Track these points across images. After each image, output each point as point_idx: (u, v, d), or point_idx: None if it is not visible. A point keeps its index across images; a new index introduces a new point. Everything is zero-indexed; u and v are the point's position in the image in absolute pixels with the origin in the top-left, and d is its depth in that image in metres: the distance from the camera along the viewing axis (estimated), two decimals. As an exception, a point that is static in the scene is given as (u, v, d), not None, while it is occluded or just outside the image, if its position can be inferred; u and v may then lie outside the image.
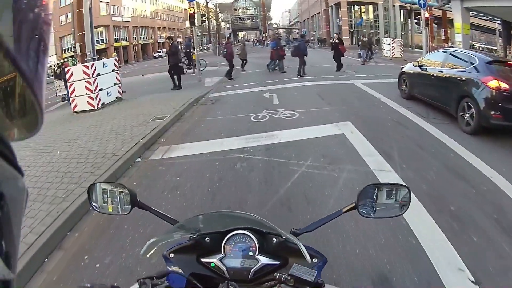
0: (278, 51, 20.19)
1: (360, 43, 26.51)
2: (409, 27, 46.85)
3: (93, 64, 13.73)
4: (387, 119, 9.07)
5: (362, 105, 10.73)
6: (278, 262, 1.36)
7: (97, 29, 58.12)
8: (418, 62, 11.05)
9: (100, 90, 13.73)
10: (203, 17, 20.14)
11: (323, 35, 58.26)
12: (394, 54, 28.10)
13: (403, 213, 1.55)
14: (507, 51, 25.88)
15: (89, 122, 11.06)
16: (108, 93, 14.33)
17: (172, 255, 1.43)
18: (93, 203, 1.62)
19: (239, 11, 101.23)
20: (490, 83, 7.66)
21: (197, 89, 16.03)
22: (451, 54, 9.65)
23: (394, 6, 45.86)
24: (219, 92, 15.18)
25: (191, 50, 23.34)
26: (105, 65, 14.44)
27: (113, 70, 14.84)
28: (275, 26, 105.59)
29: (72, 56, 40.41)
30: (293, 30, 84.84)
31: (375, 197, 1.53)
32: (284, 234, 1.38)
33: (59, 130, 10.56)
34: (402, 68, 12.35)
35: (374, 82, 15.17)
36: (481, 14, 26.83)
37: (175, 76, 16.86)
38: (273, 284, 1.25)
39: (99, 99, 13.68)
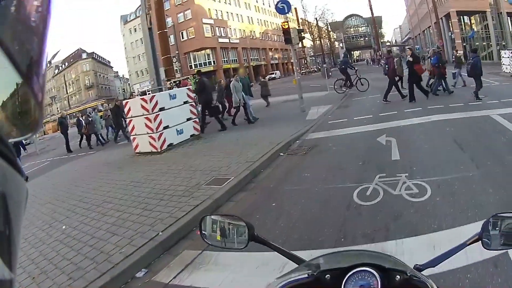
0: (440, 68, 16.30)
1: (453, 59, 20.77)
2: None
3: (153, 97, 11.05)
4: None
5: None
6: None
7: (204, 51, 58.63)
8: None
9: (165, 128, 11.03)
10: (301, 33, 16.58)
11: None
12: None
13: None
14: None
15: (137, 174, 9.14)
16: (178, 131, 11.64)
17: None
18: (206, 236, 1.54)
19: (351, 29, 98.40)
20: None
21: (296, 124, 12.68)
22: None
23: (501, 13, 39.23)
24: (320, 132, 11.56)
25: (349, 67, 21.26)
26: (172, 97, 11.71)
27: (185, 103, 12.06)
28: (388, 43, 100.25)
29: (194, 75, 40.45)
30: (406, 47, 79.39)
31: (500, 227, 1.37)
32: (410, 271, 1.25)
33: (101, 179, 9.42)
34: None
35: (512, 112, 10.80)
36: None
37: (217, 116, 13.94)
38: None
39: (164, 140, 11.00)
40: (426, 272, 1.34)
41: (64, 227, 6.50)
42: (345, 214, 5.45)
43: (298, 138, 10.77)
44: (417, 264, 1.38)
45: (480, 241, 1.38)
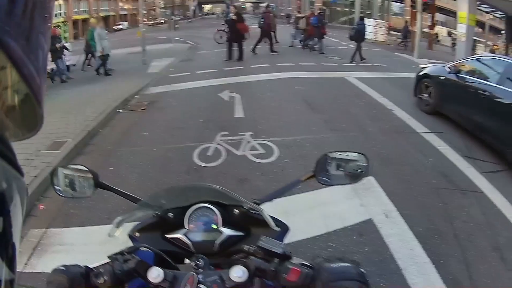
0: (320, 28, 17.64)
1: (294, 20, 23.42)
2: (387, 9, 42.84)
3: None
4: (424, 167, 5.54)
5: (377, 129, 6.89)
6: (242, 233, 1.36)
7: (56, 2, 54.12)
8: (455, 66, 7.47)
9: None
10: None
11: (293, 12, 53.85)
12: (376, 37, 25.86)
13: (360, 180, 1.53)
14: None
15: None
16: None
17: (137, 234, 1.41)
18: (57, 188, 1.54)
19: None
20: None
21: (137, 77, 12.26)
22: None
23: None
24: (161, 85, 11.18)
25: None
26: None
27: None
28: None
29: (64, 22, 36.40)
30: (260, 4, 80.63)
31: (332, 165, 1.52)
32: (246, 204, 1.35)
33: None
34: (424, 68, 8.62)
35: (370, 76, 11.52)
36: (482, 6, 23.20)
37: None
38: (241, 257, 1.13)
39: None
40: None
41: None
42: (185, 178, 5.20)
43: (137, 93, 10.43)
44: (254, 199, 1.45)
45: (315, 177, 1.51)
